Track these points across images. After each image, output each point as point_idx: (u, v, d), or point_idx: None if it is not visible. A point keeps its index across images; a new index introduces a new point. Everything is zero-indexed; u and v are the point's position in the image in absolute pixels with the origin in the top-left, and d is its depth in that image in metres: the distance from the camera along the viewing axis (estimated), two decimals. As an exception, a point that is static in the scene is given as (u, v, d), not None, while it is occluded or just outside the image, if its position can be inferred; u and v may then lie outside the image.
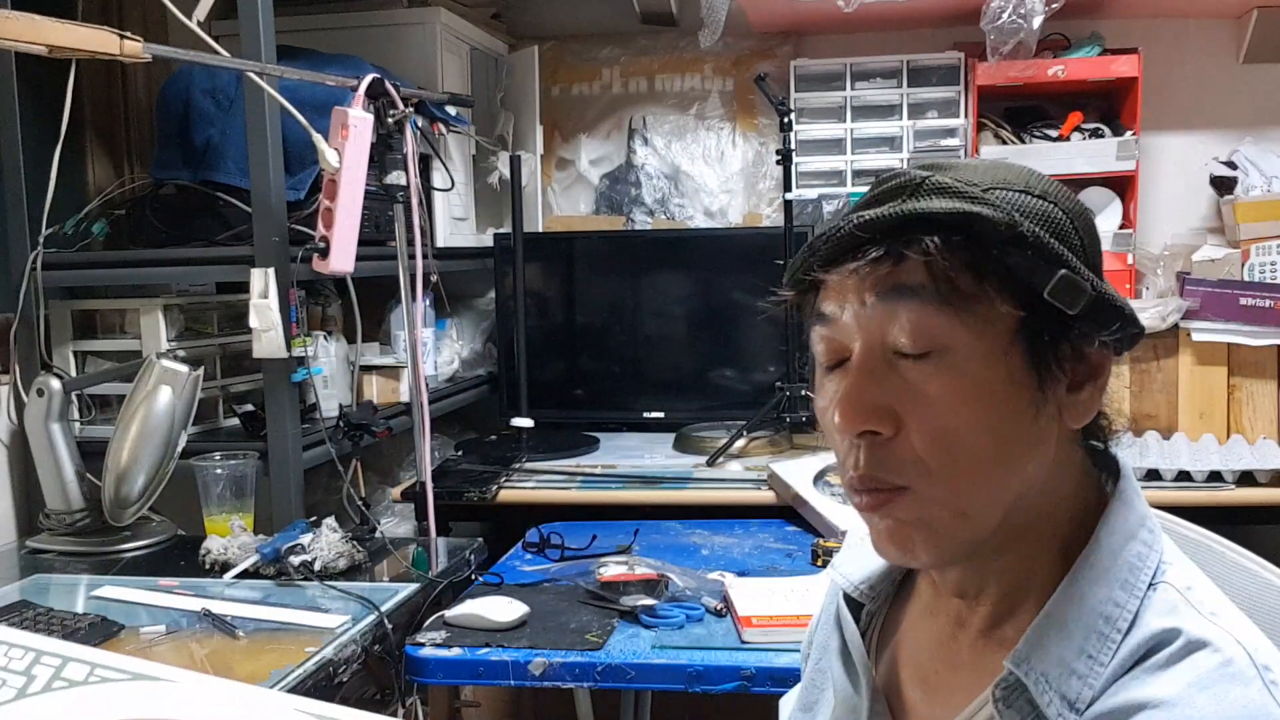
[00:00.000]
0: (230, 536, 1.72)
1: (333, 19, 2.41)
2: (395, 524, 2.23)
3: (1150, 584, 0.69)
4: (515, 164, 2.34)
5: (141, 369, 1.76)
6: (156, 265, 1.96)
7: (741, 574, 1.68)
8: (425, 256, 1.88)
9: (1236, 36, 2.56)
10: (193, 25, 1.65)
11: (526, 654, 1.40)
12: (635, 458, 2.32)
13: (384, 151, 1.81)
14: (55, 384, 1.84)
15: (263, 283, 1.77)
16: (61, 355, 2.02)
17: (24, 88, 1.96)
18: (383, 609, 1.47)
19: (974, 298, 0.68)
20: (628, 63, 2.82)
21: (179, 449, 1.79)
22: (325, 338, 2.12)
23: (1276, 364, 2.30)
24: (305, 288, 2.06)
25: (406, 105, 1.83)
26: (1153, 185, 2.57)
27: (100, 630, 1.39)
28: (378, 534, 1.82)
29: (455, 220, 2.50)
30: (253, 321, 1.78)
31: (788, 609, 1.45)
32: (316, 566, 1.62)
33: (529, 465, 2.25)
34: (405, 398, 2.20)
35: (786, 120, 2.30)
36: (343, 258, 1.73)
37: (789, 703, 0.94)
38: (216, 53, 1.66)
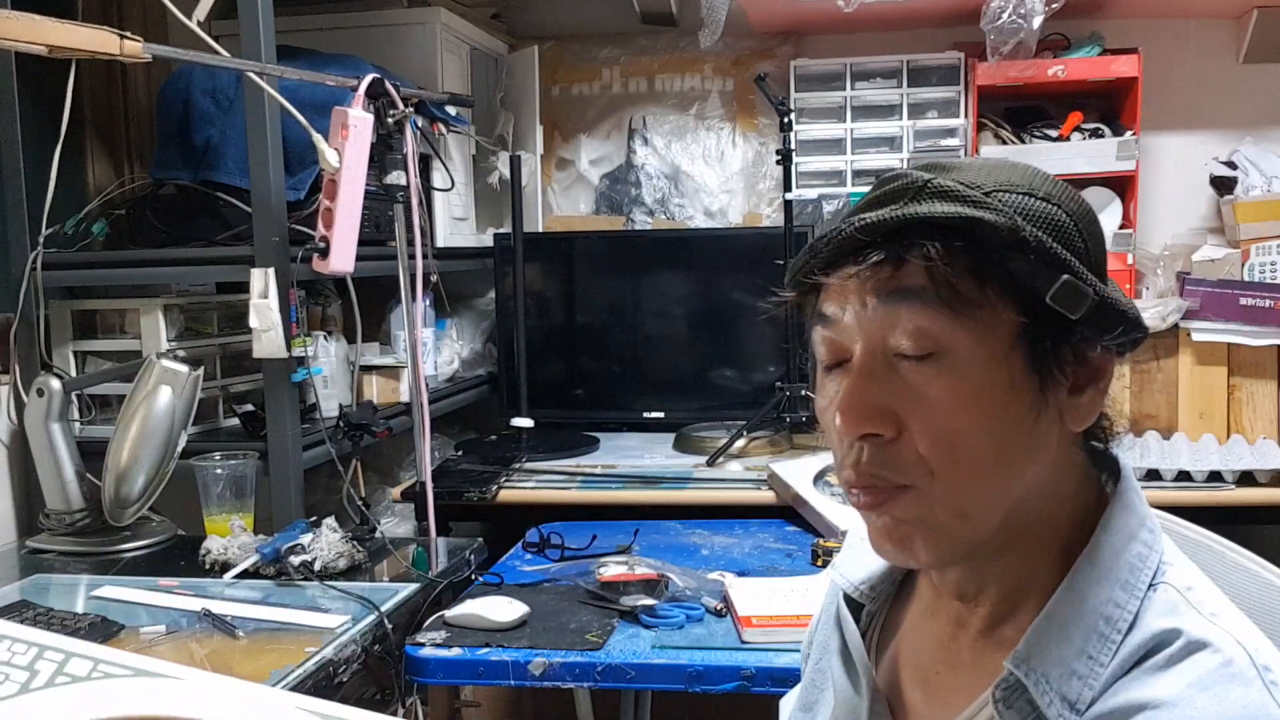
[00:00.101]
0: (230, 536, 1.72)
1: (333, 19, 2.41)
2: (395, 524, 2.23)
3: (1150, 584, 0.69)
4: (515, 164, 2.34)
5: (141, 369, 1.76)
6: (156, 265, 1.96)
7: (741, 574, 1.68)
8: (425, 256, 1.88)
9: (1236, 36, 2.56)
10: (193, 25, 1.65)
11: (526, 654, 1.40)
12: (635, 458, 2.32)
13: (384, 151, 1.81)
14: (55, 384, 1.84)
15: (263, 283, 1.77)
16: (61, 355, 2.02)
17: (24, 88, 1.96)
18: (383, 609, 1.47)
19: (976, 302, 0.68)
20: (628, 63, 2.82)
21: (179, 449, 1.79)
22: (325, 338, 2.11)
23: (1276, 364, 2.31)
24: (305, 288, 2.06)
25: (406, 105, 1.83)
26: (1153, 185, 2.57)
27: (100, 630, 1.39)
28: (378, 534, 1.82)
29: (455, 220, 2.50)
30: (253, 321, 1.78)
31: (788, 609, 1.45)
32: (316, 566, 1.62)
33: (529, 465, 2.25)
34: (405, 398, 2.20)
35: (786, 120, 2.30)
36: (343, 258, 1.73)
37: (789, 703, 0.94)
38: (216, 53, 1.66)
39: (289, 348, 1.81)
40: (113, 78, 2.31)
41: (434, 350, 2.42)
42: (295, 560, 1.61)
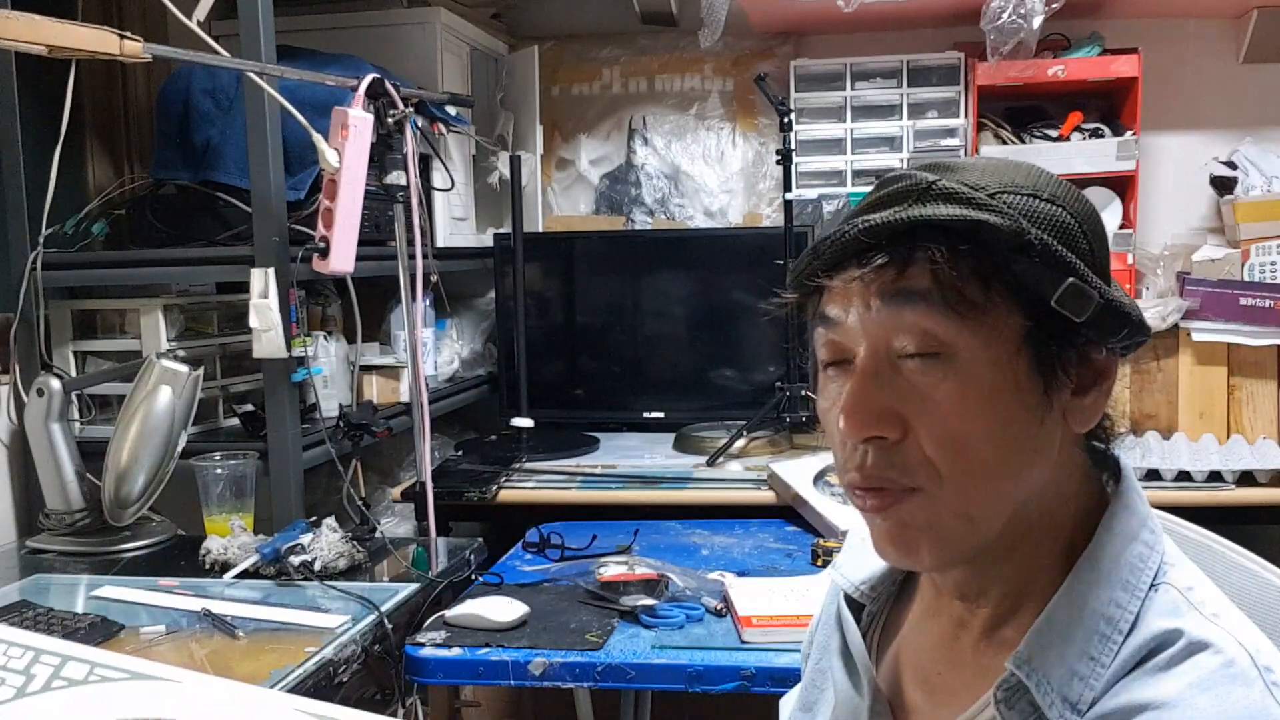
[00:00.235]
0: (230, 536, 1.72)
1: (333, 19, 2.41)
2: (395, 524, 2.23)
3: (1152, 585, 0.69)
4: (515, 164, 2.34)
5: (141, 369, 1.76)
6: (156, 265, 1.96)
7: (741, 574, 1.68)
8: (425, 256, 1.88)
9: (1236, 36, 2.56)
10: (193, 25, 1.65)
11: (526, 654, 1.40)
12: (635, 458, 2.32)
13: (384, 151, 1.81)
14: (55, 384, 1.84)
15: (263, 283, 1.77)
16: (61, 355, 2.02)
17: (24, 88, 1.96)
18: (383, 609, 1.47)
19: (981, 305, 0.67)
20: (628, 63, 2.81)
21: (179, 449, 1.79)
22: (325, 338, 2.11)
23: (1276, 364, 2.31)
24: (305, 288, 2.06)
25: (406, 105, 1.83)
26: (1153, 185, 2.57)
27: (100, 630, 1.39)
28: (378, 534, 1.82)
29: (455, 220, 2.50)
30: (253, 321, 1.78)
31: (788, 609, 1.45)
32: (316, 566, 1.62)
33: (529, 465, 2.25)
34: (405, 398, 2.20)
35: (786, 120, 2.30)
36: (343, 258, 1.73)
37: (789, 703, 0.94)
38: (216, 53, 1.66)
39: (289, 348, 1.81)
40: (113, 78, 2.31)
41: (434, 350, 2.42)
42: (295, 560, 1.61)
